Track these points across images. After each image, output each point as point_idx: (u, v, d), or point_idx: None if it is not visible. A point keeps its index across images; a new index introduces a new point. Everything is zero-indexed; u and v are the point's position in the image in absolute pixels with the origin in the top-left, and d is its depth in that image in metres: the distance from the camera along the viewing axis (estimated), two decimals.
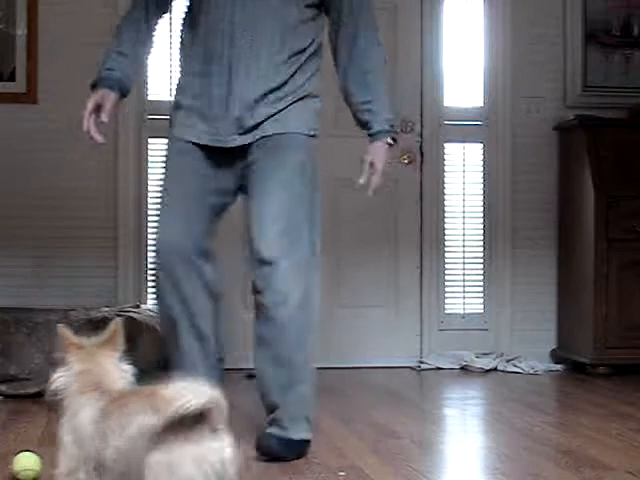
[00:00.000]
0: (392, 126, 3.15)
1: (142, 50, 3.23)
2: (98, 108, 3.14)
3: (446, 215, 5.11)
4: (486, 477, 2.82)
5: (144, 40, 3.21)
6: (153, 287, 3.18)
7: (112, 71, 3.19)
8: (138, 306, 4.59)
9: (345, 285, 5.01)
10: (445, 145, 5.12)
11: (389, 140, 3.12)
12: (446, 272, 5.11)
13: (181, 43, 3.19)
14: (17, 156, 4.77)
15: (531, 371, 4.82)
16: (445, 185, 5.12)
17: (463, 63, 5.15)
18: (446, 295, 5.11)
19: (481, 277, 5.15)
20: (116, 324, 2.37)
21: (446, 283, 5.11)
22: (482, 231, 5.15)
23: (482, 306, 5.15)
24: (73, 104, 4.79)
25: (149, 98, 4.91)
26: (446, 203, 5.11)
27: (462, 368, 4.89)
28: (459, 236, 5.14)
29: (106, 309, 4.43)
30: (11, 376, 4.07)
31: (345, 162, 5.01)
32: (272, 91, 3.04)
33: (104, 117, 3.09)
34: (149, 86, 4.91)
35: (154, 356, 4.17)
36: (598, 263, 4.70)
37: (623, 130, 4.89)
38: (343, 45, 3.16)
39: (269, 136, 3.04)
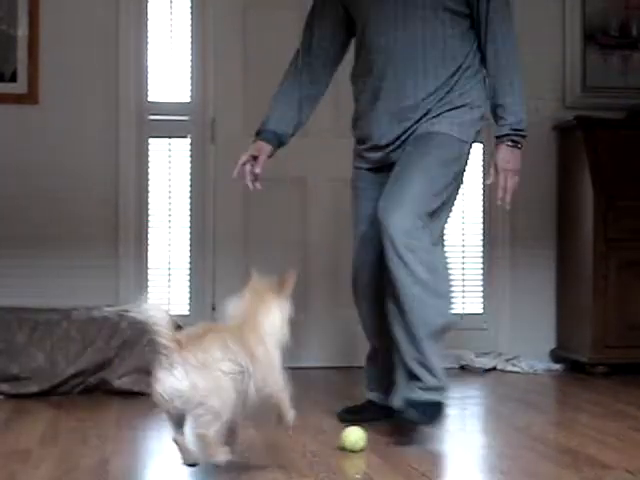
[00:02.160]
0: (519, 129, 3.21)
1: (304, 99, 3.60)
2: (254, 158, 3.50)
3: None
4: (486, 476, 2.83)
5: (306, 88, 3.60)
6: None
7: (271, 123, 3.52)
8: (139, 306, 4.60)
9: (345, 285, 5.01)
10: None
11: (509, 143, 3.19)
12: None
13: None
14: (18, 156, 4.78)
15: (530, 371, 4.83)
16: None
17: None
18: None
19: (480, 277, 5.16)
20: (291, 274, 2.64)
21: None
22: (481, 231, 5.16)
23: (481, 306, 5.16)
24: (74, 105, 4.83)
25: (149, 99, 4.91)
26: None
27: (461, 368, 4.90)
28: (458, 236, 5.15)
29: (107, 309, 4.44)
30: (12, 375, 4.08)
31: (345, 162, 5.01)
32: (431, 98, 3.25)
33: (257, 169, 3.52)
34: (149, 87, 4.91)
35: (155, 355, 4.18)
36: (597, 263, 4.71)
37: (622, 130, 4.90)
38: (485, 49, 3.27)
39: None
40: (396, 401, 3.17)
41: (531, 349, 5.03)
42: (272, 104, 3.57)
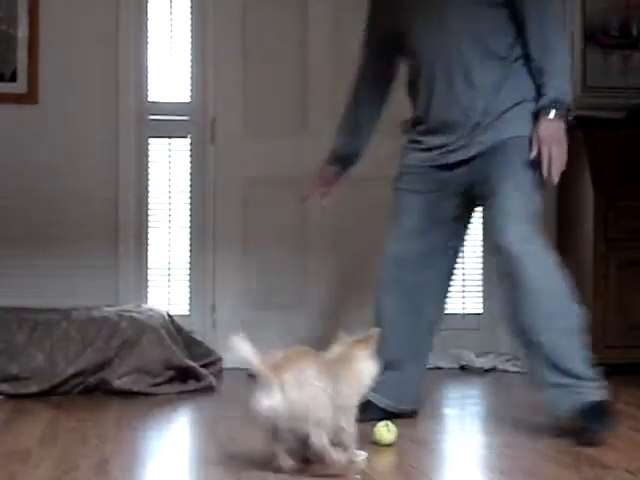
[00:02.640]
0: (557, 100, 3.18)
1: (371, 119, 3.73)
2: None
3: None
4: (486, 476, 2.83)
5: (373, 106, 3.69)
6: None
7: (341, 148, 3.74)
8: (139, 306, 4.60)
9: (345, 285, 5.02)
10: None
11: (549, 114, 3.16)
12: None
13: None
14: (18, 156, 4.78)
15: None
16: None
17: None
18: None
19: (480, 277, 5.16)
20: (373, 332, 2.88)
21: None
22: (481, 231, 5.16)
23: (481, 306, 5.15)
24: (74, 105, 4.83)
25: (149, 99, 4.91)
26: None
27: (461, 368, 4.90)
28: None
29: (107, 309, 4.44)
30: (12, 375, 4.08)
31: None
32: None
33: (325, 190, 3.76)
34: (149, 87, 4.91)
35: (155, 356, 4.18)
36: (597, 263, 4.71)
37: (622, 130, 4.90)
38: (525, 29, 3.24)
39: None
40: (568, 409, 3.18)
41: None
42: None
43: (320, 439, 2.60)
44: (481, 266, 5.16)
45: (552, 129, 3.16)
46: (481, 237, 5.16)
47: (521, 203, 3.24)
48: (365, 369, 2.79)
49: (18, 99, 4.75)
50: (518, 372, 4.81)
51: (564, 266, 4.91)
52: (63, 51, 4.81)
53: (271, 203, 4.98)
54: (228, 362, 4.77)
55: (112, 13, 4.83)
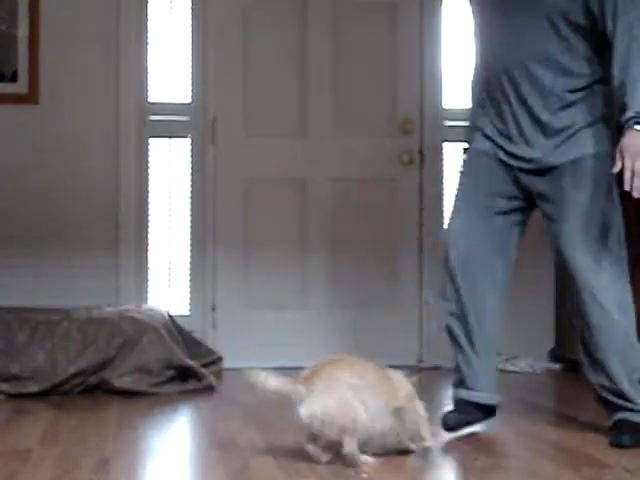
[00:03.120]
0: None
1: None
2: None
3: (446, 215, 5.12)
4: (486, 476, 2.83)
5: None
6: None
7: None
8: (139, 306, 4.60)
9: (345, 285, 5.02)
10: (445, 145, 5.13)
11: (635, 126, 3.11)
12: None
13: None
14: (18, 156, 4.78)
15: (530, 370, 4.84)
16: (445, 185, 5.13)
17: (463, 63, 5.16)
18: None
19: None
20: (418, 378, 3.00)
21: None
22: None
23: None
24: (74, 105, 4.84)
25: (150, 99, 4.92)
26: (446, 203, 5.12)
27: None
28: None
29: (108, 309, 4.44)
30: (13, 375, 4.08)
31: (345, 162, 5.02)
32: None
33: None
34: (150, 87, 4.92)
35: (155, 355, 4.19)
36: None
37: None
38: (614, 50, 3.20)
39: None
40: None
41: (530, 349, 5.03)
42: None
43: (350, 445, 2.73)
44: None
45: (637, 141, 3.13)
46: None
47: (588, 229, 3.23)
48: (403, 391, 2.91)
49: (19, 99, 4.75)
50: (517, 372, 4.81)
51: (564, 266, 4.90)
52: (64, 52, 4.81)
53: (271, 203, 4.98)
54: (228, 362, 4.79)
55: (112, 13, 4.83)
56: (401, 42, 5.06)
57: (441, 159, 5.12)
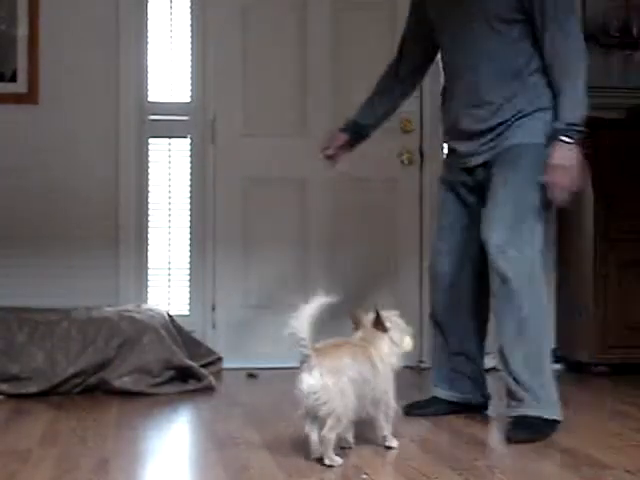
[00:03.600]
0: (572, 124, 3.25)
1: (387, 101, 3.84)
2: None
3: None
4: (486, 476, 2.83)
5: (392, 92, 3.81)
6: None
7: (356, 116, 3.83)
8: (139, 306, 4.60)
9: (345, 285, 5.02)
10: (445, 145, 5.11)
11: (564, 139, 3.23)
12: None
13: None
14: (18, 156, 4.78)
15: None
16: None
17: None
18: None
19: None
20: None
21: None
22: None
23: None
24: (74, 105, 4.83)
25: (149, 99, 4.91)
26: None
27: None
28: None
29: (108, 309, 4.44)
30: (12, 375, 4.08)
31: (345, 162, 5.02)
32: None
33: (329, 152, 3.80)
34: (149, 87, 4.91)
35: (155, 356, 4.18)
36: (597, 263, 4.71)
37: (622, 130, 4.90)
38: (543, 48, 3.32)
39: None
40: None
41: None
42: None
43: (330, 432, 2.79)
44: None
45: (565, 156, 3.22)
46: None
47: (509, 209, 3.30)
48: (389, 347, 3.07)
49: (18, 99, 4.75)
50: None
51: (564, 266, 4.91)
52: (63, 51, 4.80)
53: (271, 203, 4.98)
54: (227, 362, 4.78)
55: (112, 13, 4.82)
56: None
57: (441, 159, 5.11)
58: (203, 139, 4.94)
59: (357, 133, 3.81)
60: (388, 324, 3.09)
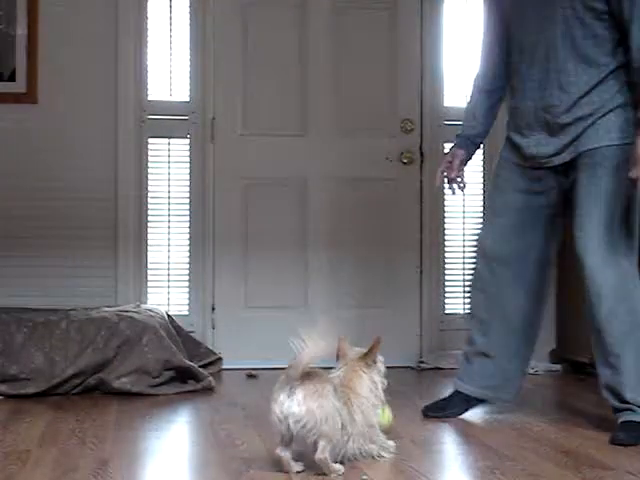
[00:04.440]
0: None
1: (490, 106, 3.68)
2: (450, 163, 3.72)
3: (446, 215, 5.12)
4: (486, 477, 2.82)
5: (491, 97, 3.66)
6: None
7: (464, 130, 3.72)
8: (138, 306, 4.60)
9: (345, 285, 5.01)
10: (445, 145, 5.11)
11: None
12: (446, 272, 5.12)
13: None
14: (17, 156, 4.77)
15: (530, 371, 4.81)
16: (445, 185, 5.10)
17: (463, 63, 5.15)
18: (446, 295, 5.12)
19: None
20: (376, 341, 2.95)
21: (446, 283, 5.12)
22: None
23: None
24: (73, 104, 4.83)
25: (149, 98, 4.90)
26: (446, 203, 5.11)
27: None
28: (459, 236, 5.15)
29: (106, 309, 4.43)
30: (11, 376, 4.07)
31: (345, 162, 5.01)
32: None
33: (453, 174, 3.75)
34: (149, 86, 4.91)
35: (154, 356, 4.18)
36: None
37: None
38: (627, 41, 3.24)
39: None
40: None
41: None
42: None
43: (323, 452, 2.68)
44: None
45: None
46: None
47: (599, 219, 3.25)
48: (367, 386, 2.89)
49: (17, 99, 4.74)
50: None
51: (564, 266, 4.89)
52: (62, 50, 4.80)
53: (271, 203, 4.97)
54: (227, 363, 4.78)
55: (111, 12, 4.82)
56: (401, 41, 5.05)
57: (441, 159, 5.10)
58: (202, 139, 4.93)
59: (473, 145, 3.73)
60: (376, 362, 2.94)
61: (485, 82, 3.66)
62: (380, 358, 2.96)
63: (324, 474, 2.70)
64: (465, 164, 3.73)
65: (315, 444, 2.68)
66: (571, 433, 3.32)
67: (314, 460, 2.69)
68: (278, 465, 2.75)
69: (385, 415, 3.08)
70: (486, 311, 3.59)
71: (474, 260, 3.73)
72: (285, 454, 2.73)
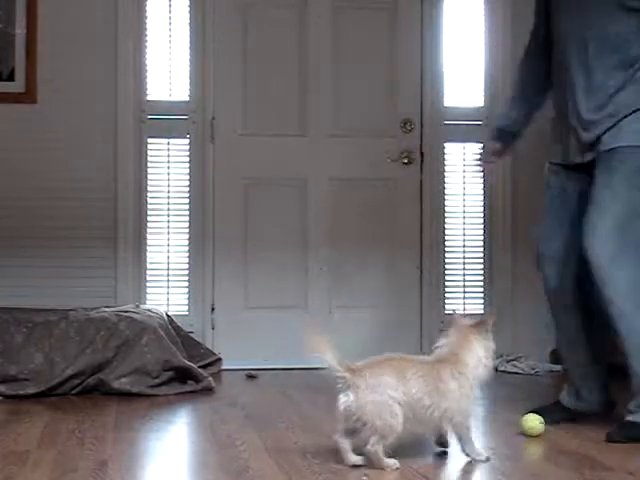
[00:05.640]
0: None
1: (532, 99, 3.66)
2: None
3: (446, 215, 5.11)
4: (487, 478, 2.81)
5: (535, 89, 3.64)
6: None
7: (500, 120, 3.72)
8: (138, 306, 4.59)
9: (345, 285, 5.01)
10: (445, 145, 5.11)
11: None
12: (446, 272, 5.11)
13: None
14: (16, 156, 4.77)
15: (531, 371, 4.82)
16: (445, 185, 5.11)
17: (463, 63, 5.15)
18: (446, 295, 5.11)
19: (481, 277, 5.15)
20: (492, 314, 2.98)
21: (446, 283, 5.11)
22: (482, 231, 5.15)
23: (482, 306, 5.14)
24: (72, 104, 4.82)
25: (148, 98, 4.90)
26: (446, 203, 5.10)
27: None
28: (459, 236, 5.14)
29: (106, 309, 4.42)
30: (11, 376, 4.07)
31: (345, 162, 5.01)
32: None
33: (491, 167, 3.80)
34: (148, 86, 4.90)
35: (154, 356, 4.17)
36: None
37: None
38: None
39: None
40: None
41: (532, 350, 5.01)
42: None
43: (374, 446, 2.73)
44: (481, 266, 5.15)
45: None
46: (481, 237, 5.15)
47: (611, 217, 3.22)
48: (476, 357, 2.87)
49: (16, 98, 4.74)
50: (519, 373, 4.79)
51: None
52: (61, 50, 4.79)
53: (271, 203, 4.96)
54: (227, 363, 4.77)
55: (110, 11, 4.81)
56: (401, 41, 5.05)
57: (441, 159, 5.10)
58: (202, 138, 4.92)
59: (513, 137, 3.71)
60: (490, 332, 2.92)
61: (527, 87, 3.66)
62: (490, 335, 2.93)
63: (381, 468, 2.74)
64: (502, 155, 3.72)
65: (367, 438, 2.73)
66: (573, 434, 3.32)
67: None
68: (337, 453, 2.81)
69: (531, 422, 3.20)
70: None
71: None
72: (343, 443, 2.78)
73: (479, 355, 2.88)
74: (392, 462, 2.76)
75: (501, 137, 3.67)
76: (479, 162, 3.91)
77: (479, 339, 2.89)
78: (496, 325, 2.94)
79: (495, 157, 3.71)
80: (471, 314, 2.97)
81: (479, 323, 2.92)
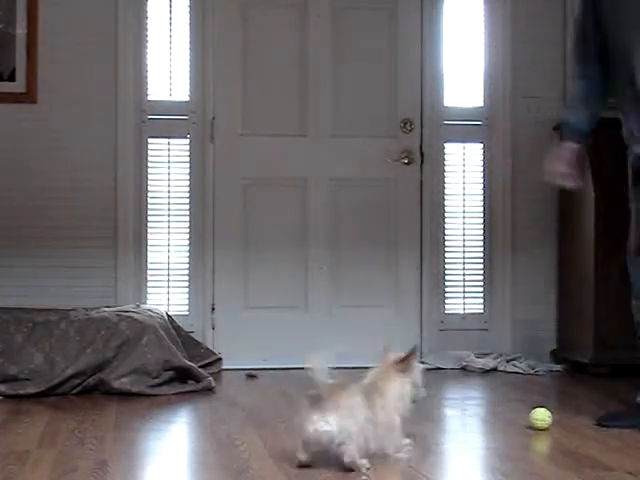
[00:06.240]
0: None
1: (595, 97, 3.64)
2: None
3: (446, 215, 5.11)
4: (486, 477, 2.81)
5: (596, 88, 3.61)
6: None
7: (568, 119, 3.66)
8: (138, 306, 4.59)
9: (345, 285, 5.01)
10: (445, 145, 5.11)
11: None
12: (446, 272, 5.11)
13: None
14: (17, 156, 4.77)
15: (531, 371, 4.82)
16: (445, 185, 5.12)
17: (463, 63, 5.15)
18: (446, 295, 5.11)
19: (481, 277, 5.15)
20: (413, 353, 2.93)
21: (446, 283, 5.11)
22: (482, 231, 5.15)
23: (482, 306, 5.14)
24: (73, 104, 4.82)
25: (149, 98, 4.90)
26: (446, 203, 5.11)
27: (462, 368, 4.89)
28: (459, 236, 5.14)
29: (106, 309, 4.42)
30: (11, 376, 4.07)
31: (345, 162, 5.01)
32: None
33: (566, 172, 3.65)
34: (149, 86, 4.90)
35: (154, 356, 4.17)
36: (598, 263, 4.69)
37: (622, 130, 4.87)
38: None
39: None
40: None
41: (532, 349, 5.02)
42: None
43: (354, 458, 2.72)
44: (481, 266, 5.15)
45: None
46: (481, 237, 5.15)
47: None
48: (397, 391, 2.87)
49: (17, 98, 4.74)
50: (519, 373, 4.80)
51: (564, 266, 4.89)
52: (62, 50, 4.80)
53: (271, 203, 4.97)
54: (227, 363, 4.77)
55: (111, 12, 4.82)
56: (401, 41, 5.05)
57: (441, 159, 5.11)
58: (202, 138, 4.92)
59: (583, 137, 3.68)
60: (412, 368, 2.93)
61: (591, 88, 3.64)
62: (420, 367, 2.95)
63: (351, 470, 2.72)
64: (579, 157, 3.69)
65: (341, 455, 2.72)
66: (572, 434, 3.31)
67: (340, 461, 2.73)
68: (300, 466, 2.78)
69: (540, 415, 3.23)
70: None
71: None
72: (306, 458, 2.77)
73: (399, 391, 2.88)
74: (364, 462, 2.75)
75: (577, 137, 3.65)
76: (556, 169, 3.68)
77: (400, 377, 2.90)
78: (415, 360, 2.94)
79: (572, 159, 3.64)
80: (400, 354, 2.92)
81: (401, 361, 2.92)
